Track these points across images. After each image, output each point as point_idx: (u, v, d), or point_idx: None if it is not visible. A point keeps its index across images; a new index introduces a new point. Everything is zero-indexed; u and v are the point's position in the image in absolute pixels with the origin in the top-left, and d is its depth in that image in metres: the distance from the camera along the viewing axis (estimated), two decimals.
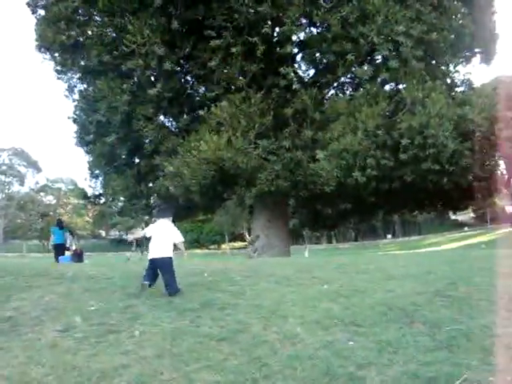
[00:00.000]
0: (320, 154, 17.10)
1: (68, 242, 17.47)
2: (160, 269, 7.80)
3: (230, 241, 73.56)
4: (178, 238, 8.20)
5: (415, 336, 5.38)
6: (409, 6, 16.85)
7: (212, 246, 73.98)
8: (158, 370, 4.45)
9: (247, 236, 77.00)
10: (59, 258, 16.83)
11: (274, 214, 21.56)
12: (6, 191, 79.67)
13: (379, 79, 17.68)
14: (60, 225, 18.23)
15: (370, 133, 16.90)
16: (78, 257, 16.83)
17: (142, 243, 51.43)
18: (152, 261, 7.83)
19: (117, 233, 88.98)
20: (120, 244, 76.22)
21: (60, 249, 17.24)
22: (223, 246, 72.98)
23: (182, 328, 5.71)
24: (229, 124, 16.96)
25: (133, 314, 6.26)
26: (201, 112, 17.54)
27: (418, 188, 19.31)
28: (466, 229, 70.93)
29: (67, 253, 17.23)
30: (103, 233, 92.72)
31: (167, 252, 7.89)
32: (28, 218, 75.91)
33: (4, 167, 77.59)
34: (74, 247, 17.58)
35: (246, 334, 5.52)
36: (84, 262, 16.84)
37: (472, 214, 73.77)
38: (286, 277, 8.55)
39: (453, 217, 75.91)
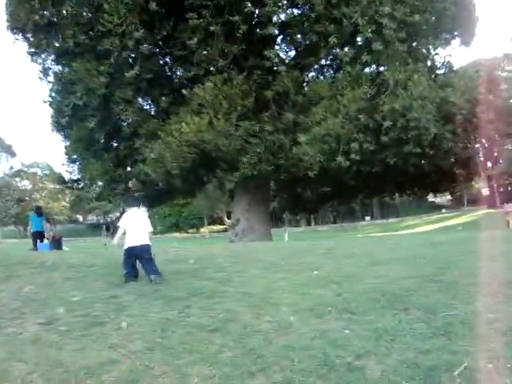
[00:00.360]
0: (302, 138, 16.93)
1: (46, 233, 17.04)
2: (139, 257, 7.78)
3: (209, 224, 73.32)
4: (149, 227, 8.27)
5: (411, 323, 5.26)
6: None
7: (191, 230, 73.62)
8: (149, 365, 4.22)
9: (226, 219, 76.77)
10: (38, 245, 16.47)
11: (254, 197, 21.40)
12: None
13: (361, 61, 17.46)
14: (38, 212, 17.86)
15: (353, 116, 16.78)
16: (56, 243, 16.43)
17: (115, 229, 50.86)
18: (130, 249, 7.77)
19: (94, 217, 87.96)
20: (97, 229, 75.45)
21: (38, 236, 16.89)
22: (202, 229, 72.66)
23: (171, 318, 5.46)
24: (210, 106, 16.65)
25: (118, 304, 5.99)
26: (184, 91, 17.14)
27: (400, 171, 19.33)
28: (443, 211, 71.69)
29: (45, 241, 16.84)
30: (80, 217, 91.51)
31: (145, 239, 7.94)
32: (3, 203, 74.31)
33: None
34: (51, 234, 17.12)
35: (238, 323, 5.32)
36: (63, 249, 16.49)
37: (449, 197, 74.46)
38: (274, 262, 8.35)
39: (430, 199, 76.72)
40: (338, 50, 17.51)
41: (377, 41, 16.36)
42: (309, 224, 74.19)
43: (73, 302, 6.06)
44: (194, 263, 8.49)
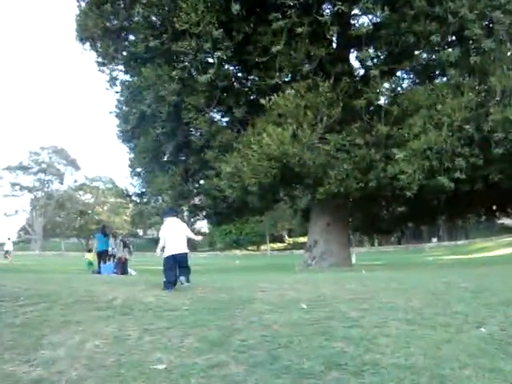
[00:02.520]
0: (399, 154, 14.83)
1: (110, 248, 15.90)
2: (181, 262, 8.44)
3: (270, 242, 71.42)
4: (190, 233, 9.05)
5: None
6: None
7: (250, 247, 71.87)
8: None
9: (287, 237, 74.76)
10: (102, 266, 15.26)
11: (333, 217, 19.39)
12: (46, 190, 79.39)
13: (467, 64, 15.27)
14: (104, 231, 16.97)
15: (455, 128, 14.61)
16: (122, 267, 15.00)
17: (131, 243, 48.47)
18: (174, 256, 8.40)
19: (154, 232, 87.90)
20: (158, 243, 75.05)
21: (103, 256, 15.85)
22: (262, 247, 70.76)
23: None
24: (293, 116, 14.82)
25: (224, 379, 3.98)
26: (262, 101, 15.39)
27: (503, 189, 16.97)
28: None
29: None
30: (141, 232, 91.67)
31: (185, 248, 8.68)
32: (67, 216, 75.66)
33: (44, 165, 77.18)
34: (119, 254, 15.82)
35: None
36: (129, 272, 15.04)
37: None
38: (417, 311, 6.12)
39: (499, 220, 71.90)
40: (440, 52, 15.30)
41: (488, 38, 14.20)
42: (372, 244, 71.13)
43: (157, 372, 4.10)
44: (309, 309, 6.35)
